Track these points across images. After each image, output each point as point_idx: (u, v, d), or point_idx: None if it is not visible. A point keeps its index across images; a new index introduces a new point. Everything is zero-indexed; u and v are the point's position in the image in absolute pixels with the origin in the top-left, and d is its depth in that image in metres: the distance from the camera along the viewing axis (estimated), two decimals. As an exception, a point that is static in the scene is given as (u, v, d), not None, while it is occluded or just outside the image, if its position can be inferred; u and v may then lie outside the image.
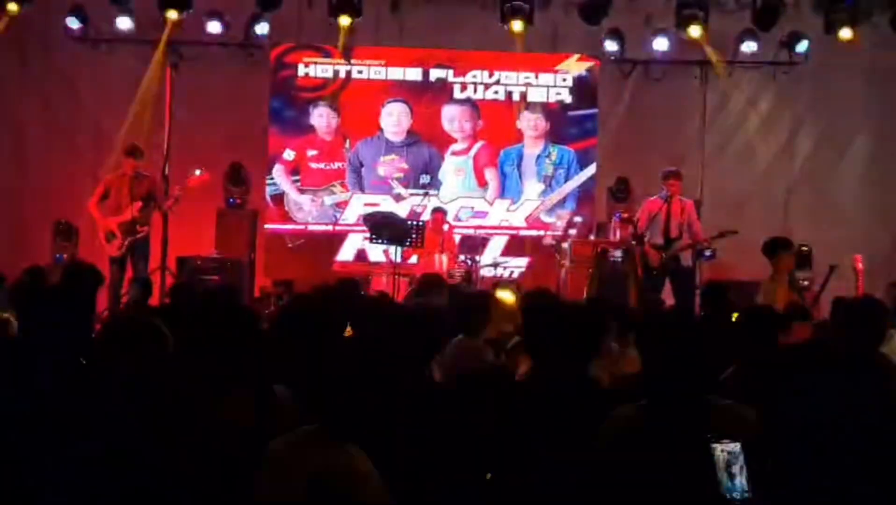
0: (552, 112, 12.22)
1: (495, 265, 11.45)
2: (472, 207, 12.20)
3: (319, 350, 3.75)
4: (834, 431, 2.42)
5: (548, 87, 12.21)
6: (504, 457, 3.40)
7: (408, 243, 10.41)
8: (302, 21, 11.99)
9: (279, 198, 12.04)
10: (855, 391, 3.01)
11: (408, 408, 3.09)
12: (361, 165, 12.12)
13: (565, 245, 11.00)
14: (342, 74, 12.13)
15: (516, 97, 12.24)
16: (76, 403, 3.24)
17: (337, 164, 12.11)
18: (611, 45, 11.88)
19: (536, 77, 12.21)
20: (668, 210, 10.06)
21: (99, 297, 7.33)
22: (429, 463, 3.34)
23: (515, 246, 12.08)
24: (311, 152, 12.05)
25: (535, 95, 12.22)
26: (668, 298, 9.90)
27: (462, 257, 10.92)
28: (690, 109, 12.24)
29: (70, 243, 11.17)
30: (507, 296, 6.68)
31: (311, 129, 12.06)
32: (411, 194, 12.00)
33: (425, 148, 12.18)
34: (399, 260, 10.30)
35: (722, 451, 2.69)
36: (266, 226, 11.97)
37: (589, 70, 12.19)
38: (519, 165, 12.22)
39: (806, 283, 10.00)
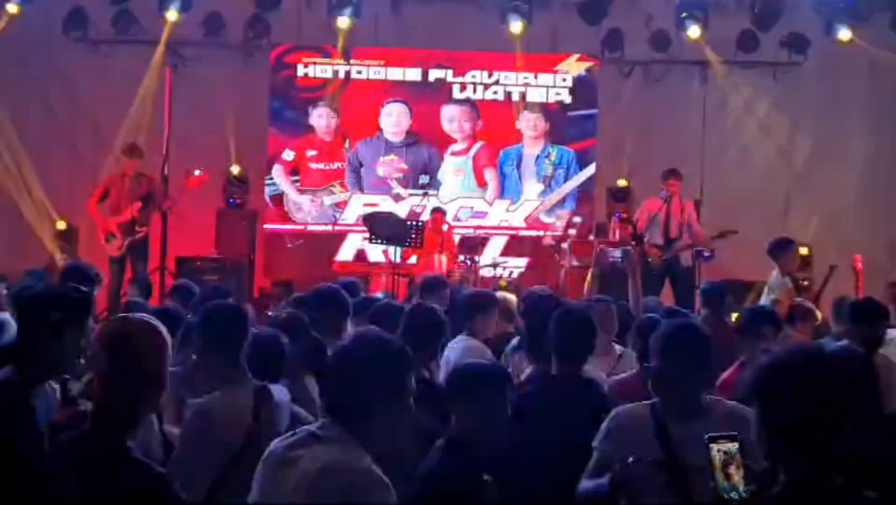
0: (552, 112, 12.22)
1: (495, 265, 11.45)
2: (472, 208, 12.20)
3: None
4: (834, 430, 2.41)
5: (547, 87, 12.22)
6: (506, 457, 3.40)
7: (407, 243, 10.40)
8: (301, 21, 11.99)
9: (279, 198, 12.03)
10: (856, 392, 3.01)
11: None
12: (361, 166, 12.12)
13: (565, 245, 11.00)
14: (342, 75, 12.13)
15: (516, 97, 12.24)
16: (76, 403, 3.24)
17: (336, 165, 12.11)
18: (611, 45, 11.87)
19: (536, 77, 12.21)
20: (667, 210, 10.06)
21: (98, 297, 7.32)
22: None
23: (515, 246, 12.08)
24: (311, 152, 12.05)
25: (534, 96, 12.22)
26: (667, 298, 9.91)
27: (461, 257, 10.91)
28: (690, 109, 12.24)
29: (70, 244, 11.17)
30: (508, 296, 6.69)
31: (311, 129, 12.06)
32: (410, 194, 12.00)
33: (425, 148, 12.18)
34: (398, 260, 10.29)
35: (718, 450, 2.69)
36: (265, 226, 11.97)
37: (588, 70, 12.19)
38: (518, 166, 12.22)
39: (806, 283, 9.99)
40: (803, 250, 10.59)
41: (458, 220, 11.99)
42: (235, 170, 11.77)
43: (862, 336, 5.12)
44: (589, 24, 11.72)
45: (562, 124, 12.26)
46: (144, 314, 3.11)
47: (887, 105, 12.14)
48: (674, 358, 3.37)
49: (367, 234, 10.83)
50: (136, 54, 11.72)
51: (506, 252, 11.95)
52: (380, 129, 12.13)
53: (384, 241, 10.39)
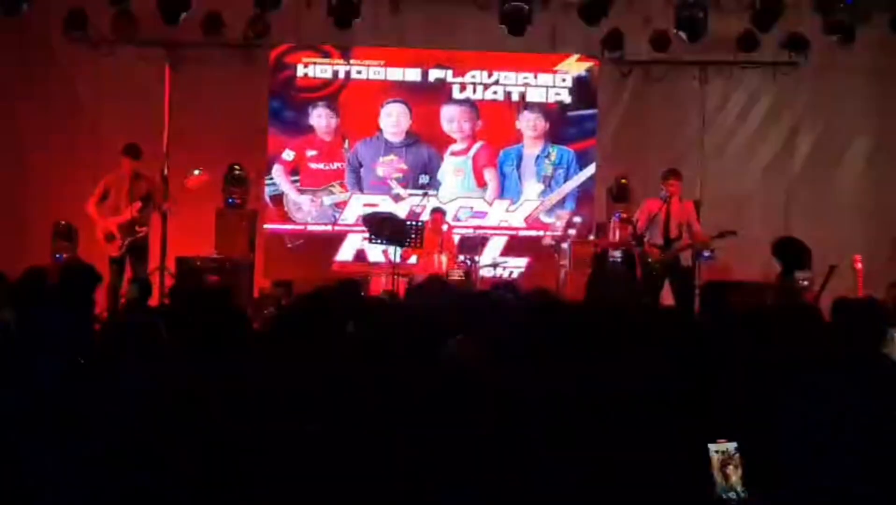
0: (551, 112, 12.22)
1: (495, 265, 11.46)
2: (472, 208, 12.20)
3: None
4: (834, 431, 2.41)
5: (547, 87, 12.21)
6: (504, 457, 3.40)
7: (407, 243, 10.42)
8: (301, 21, 11.99)
9: (278, 198, 12.03)
10: (855, 392, 3.01)
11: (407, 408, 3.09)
12: (360, 166, 12.11)
13: (565, 245, 11.02)
14: (341, 75, 12.13)
15: (515, 97, 12.23)
16: (75, 402, 3.24)
17: (336, 165, 12.11)
18: (610, 45, 11.87)
19: (536, 77, 12.21)
20: (667, 210, 10.06)
21: (98, 297, 7.33)
22: (429, 463, 3.34)
23: (515, 246, 12.08)
24: (311, 153, 12.05)
25: (534, 96, 12.21)
26: (667, 298, 9.91)
27: (461, 257, 10.92)
28: (690, 109, 12.24)
29: (70, 243, 11.16)
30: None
31: (311, 129, 12.06)
32: (410, 195, 11.99)
33: (424, 148, 12.18)
34: (398, 260, 10.31)
35: (716, 451, 2.69)
36: (265, 226, 11.97)
37: (588, 70, 12.19)
38: (518, 166, 12.22)
39: (806, 283, 9.98)
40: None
41: (458, 220, 11.99)
42: (235, 170, 11.76)
43: (863, 337, 5.10)
44: (589, 24, 11.71)
45: (562, 124, 12.26)
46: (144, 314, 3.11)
47: (887, 105, 12.13)
48: None
49: (366, 235, 10.84)
50: (136, 54, 11.72)
51: (506, 252, 11.95)
52: (379, 130, 12.13)
53: (384, 242, 10.40)
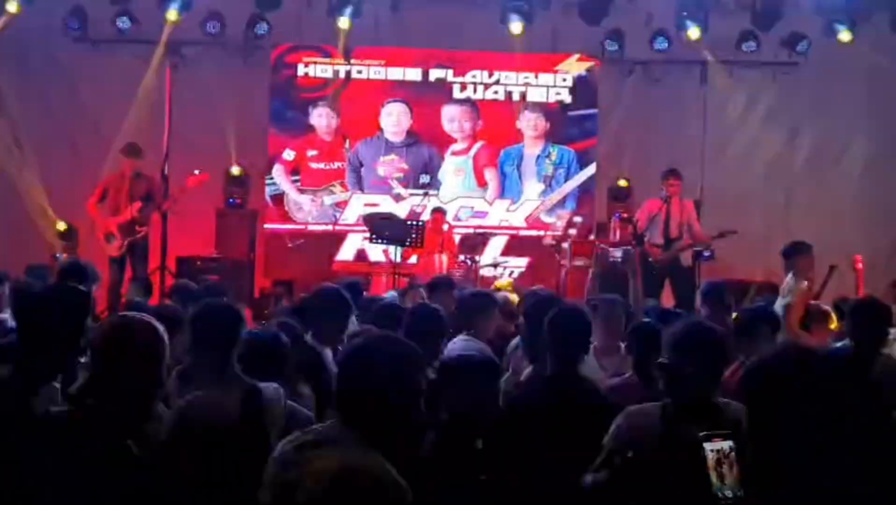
0: (552, 112, 12.22)
1: (495, 265, 11.45)
2: (472, 207, 12.20)
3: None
4: (834, 431, 2.41)
5: (548, 87, 12.22)
6: (504, 457, 3.40)
7: (407, 243, 10.41)
8: (302, 21, 11.99)
9: (279, 198, 12.04)
10: (855, 392, 3.01)
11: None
12: (361, 165, 12.12)
13: (565, 245, 11.00)
14: (342, 74, 12.13)
15: (516, 97, 12.24)
16: (76, 403, 3.23)
17: (337, 164, 12.11)
18: (611, 45, 11.88)
19: (536, 77, 12.21)
20: (667, 210, 10.06)
21: (98, 297, 7.33)
22: (429, 463, 3.34)
23: (515, 246, 12.07)
24: (311, 152, 12.05)
25: (534, 95, 12.22)
26: (668, 298, 9.91)
27: (462, 257, 10.91)
28: (690, 109, 12.23)
29: (70, 243, 11.16)
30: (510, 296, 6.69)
31: (311, 129, 12.06)
32: (411, 194, 12.00)
33: (425, 148, 12.18)
34: (399, 260, 10.30)
35: (712, 449, 2.68)
36: (266, 226, 11.97)
37: (589, 70, 12.19)
38: (519, 165, 12.22)
39: (805, 283, 9.97)
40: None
41: (459, 219, 11.99)
42: (235, 170, 11.76)
43: (864, 337, 5.11)
44: (589, 24, 11.71)
45: (562, 124, 12.26)
46: (143, 314, 3.11)
47: (887, 105, 12.13)
48: (686, 357, 3.34)
49: (367, 234, 10.84)
50: (136, 54, 11.72)
51: (506, 252, 11.95)
52: (380, 129, 12.14)
53: (384, 241, 10.40)
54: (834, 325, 6.93)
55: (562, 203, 12.19)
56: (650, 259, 9.99)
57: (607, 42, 11.85)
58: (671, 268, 10.05)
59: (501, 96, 12.25)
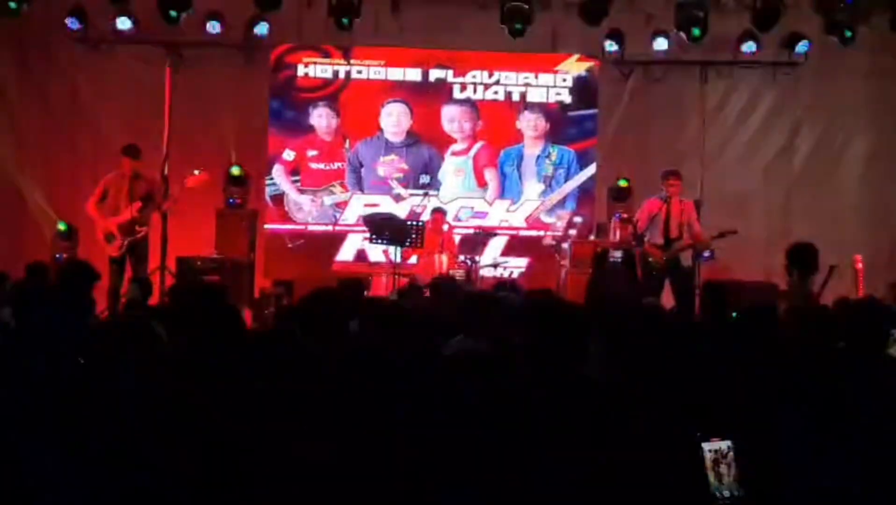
0: (552, 112, 12.22)
1: (495, 265, 11.46)
2: (472, 208, 12.20)
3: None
4: (834, 430, 2.41)
5: (548, 87, 12.21)
6: (503, 457, 3.39)
7: (407, 244, 10.42)
8: (302, 21, 11.99)
9: (279, 198, 12.03)
10: (857, 392, 3.01)
11: (407, 407, 3.08)
12: (361, 166, 12.11)
13: (565, 245, 11.02)
14: (342, 75, 12.13)
15: (516, 97, 12.23)
16: (75, 402, 3.24)
17: (337, 165, 12.11)
18: (611, 46, 11.86)
19: (536, 77, 12.21)
20: (667, 210, 10.06)
21: (98, 297, 7.33)
22: (429, 463, 3.34)
23: (515, 246, 12.07)
24: (311, 153, 12.05)
25: (534, 96, 12.21)
26: (668, 298, 9.91)
27: (462, 257, 10.92)
28: (690, 109, 12.24)
29: (70, 243, 11.16)
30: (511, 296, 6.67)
31: (311, 129, 12.06)
32: (411, 195, 11.99)
33: (425, 148, 12.18)
34: (399, 260, 10.31)
35: (709, 450, 2.67)
36: (266, 226, 11.97)
37: (589, 70, 12.18)
38: (519, 166, 12.22)
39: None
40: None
41: (459, 220, 11.99)
42: (235, 170, 11.76)
43: (865, 337, 5.10)
44: (589, 24, 11.71)
45: (562, 124, 12.26)
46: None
47: (887, 105, 12.13)
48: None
49: (367, 235, 10.84)
50: (136, 54, 11.72)
51: (506, 252, 11.95)
52: (380, 129, 12.13)
53: (384, 242, 10.40)
54: None
55: (562, 203, 12.18)
56: (650, 259, 10.00)
57: (607, 42, 11.84)
58: (671, 268, 10.06)
59: (501, 97, 12.25)
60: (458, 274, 10.54)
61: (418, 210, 11.74)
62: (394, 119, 12.12)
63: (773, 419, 2.60)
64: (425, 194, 11.80)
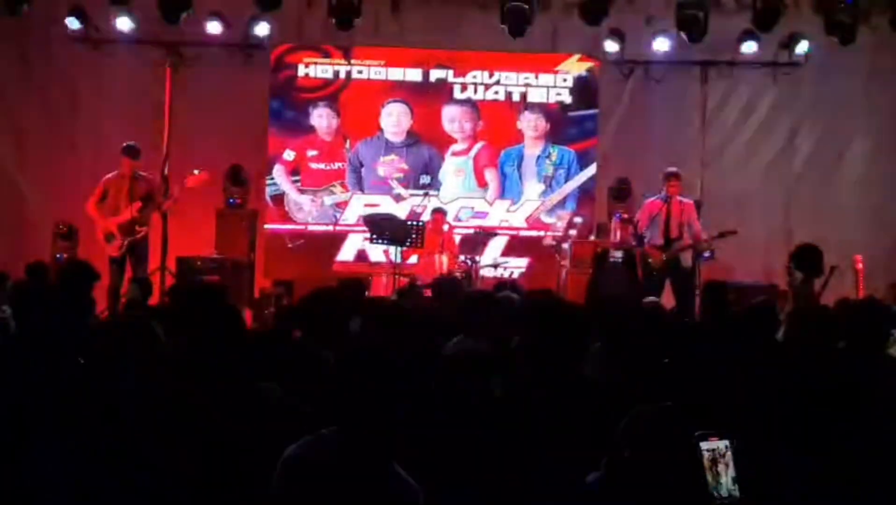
0: (552, 112, 12.22)
1: (495, 266, 11.46)
2: (473, 208, 12.20)
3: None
4: (833, 430, 2.41)
5: (548, 87, 12.21)
6: (504, 457, 3.40)
7: (408, 244, 10.41)
8: (302, 21, 11.99)
9: (279, 198, 12.04)
10: (857, 392, 3.01)
11: (408, 408, 3.08)
12: (361, 166, 12.12)
13: (565, 246, 11.02)
14: (342, 75, 12.13)
15: (516, 98, 12.23)
16: (74, 402, 3.24)
17: (337, 165, 12.11)
18: (611, 46, 11.86)
19: (536, 77, 12.21)
20: (667, 210, 10.07)
21: (98, 297, 7.33)
22: (429, 463, 3.34)
23: (516, 246, 12.07)
24: (311, 153, 12.05)
25: (535, 96, 12.21)
26: (668, 298, 9.91)
27: (462, 257, 10.92)
28: (690, 109, 12.23)
29: (70, 243, 11.16)
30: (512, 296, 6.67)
31: (311, 129, 12.06)
32: (411, 195, 11.99)
33: (425, 148, 12.18)
34: (399, 260, 10.31)
35: (707, 449, 2.67)
36: (266, 226, 11.97)
37: (589, 70, 12.18)
38: (519, 166, 12.22)
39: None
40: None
41: (459, 220, 11.99)
42: (235, 170, 11.75)
43: (866, 338, 5.10)
44: (589, 24, 11.71)
45: (562, 124, 12.26)
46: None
47: (887, 105, 12.13)
48: None
49: (367, 235, 10.84)
50: (136, 54, 11.72)
51: (506, 252, 11.94)
52: (380, 130, 12.14)
53: (385, 242, 10.40)
54: None
55: (562, 203, 12.18)
56: (650, 259, 10.00)
57: (607, 42, 11.84)
58: (671, 268, 10.06)
59: (502, 97, 12.25)
60: (459, 274, 10.54)
61: (418, 210, 11.74)
62: (394, 119, 12.13)
63: (772, 419, 2.60)
64: (425, 194, 11.80)
